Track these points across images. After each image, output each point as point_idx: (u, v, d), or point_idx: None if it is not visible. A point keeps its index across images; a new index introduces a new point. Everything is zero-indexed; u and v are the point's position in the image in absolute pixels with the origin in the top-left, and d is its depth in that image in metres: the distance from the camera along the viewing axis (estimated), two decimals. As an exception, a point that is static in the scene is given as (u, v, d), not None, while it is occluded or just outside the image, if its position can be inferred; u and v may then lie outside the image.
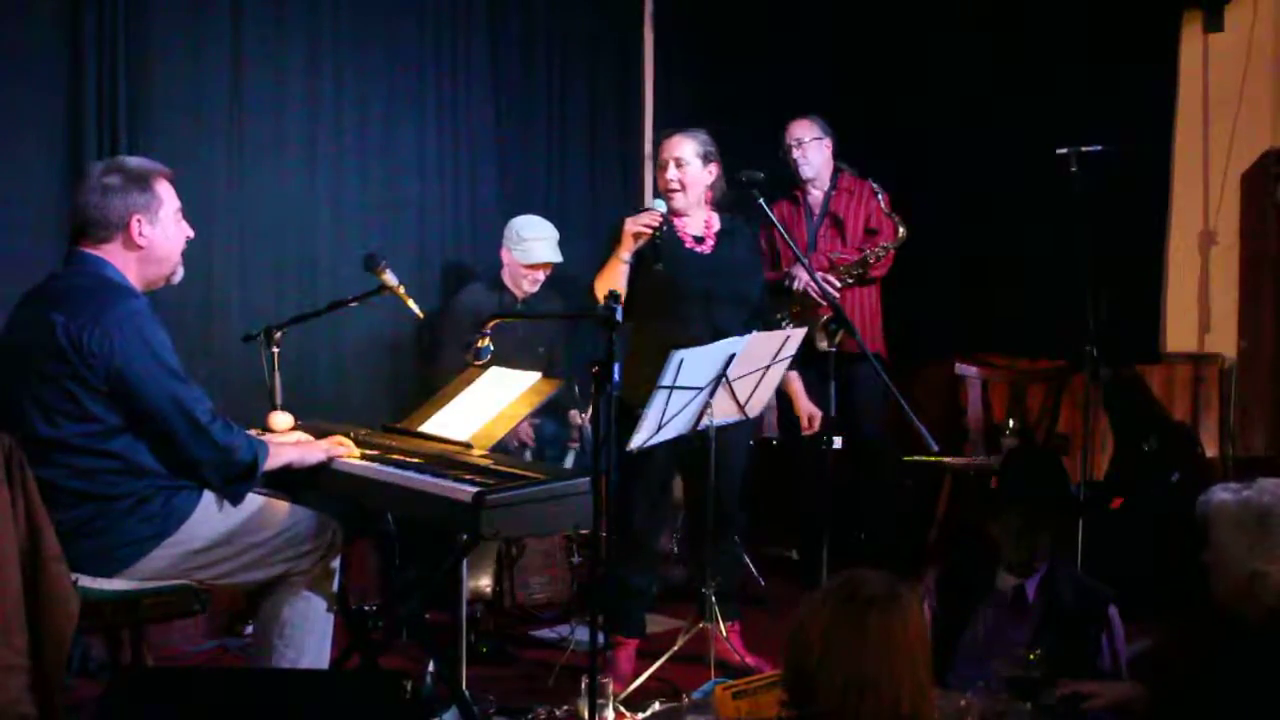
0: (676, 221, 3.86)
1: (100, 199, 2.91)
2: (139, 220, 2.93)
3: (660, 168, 3.90)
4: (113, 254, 2.94)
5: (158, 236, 2.97)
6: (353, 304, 3.80)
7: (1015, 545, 2.94)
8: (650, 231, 3.69)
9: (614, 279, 3.71)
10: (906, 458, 4.99)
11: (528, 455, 4.58)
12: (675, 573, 4.74)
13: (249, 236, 4.51)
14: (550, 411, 4.68)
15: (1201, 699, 2.51)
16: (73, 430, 2.83)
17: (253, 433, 3.11)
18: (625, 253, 3.72)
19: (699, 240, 3.85)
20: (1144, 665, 2.90)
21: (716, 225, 3.92)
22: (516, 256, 4.67)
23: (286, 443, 3.17)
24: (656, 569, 4.18)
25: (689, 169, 3.84)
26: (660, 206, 3.76)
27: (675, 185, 3.83)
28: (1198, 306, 5.38)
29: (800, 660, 1.97)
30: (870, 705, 1.93)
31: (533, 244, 4.63)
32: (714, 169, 3.90)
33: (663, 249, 3.71)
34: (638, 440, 3.45)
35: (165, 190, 3.00)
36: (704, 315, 3.76)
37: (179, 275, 3.08)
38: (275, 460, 3.02)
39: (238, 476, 2.94)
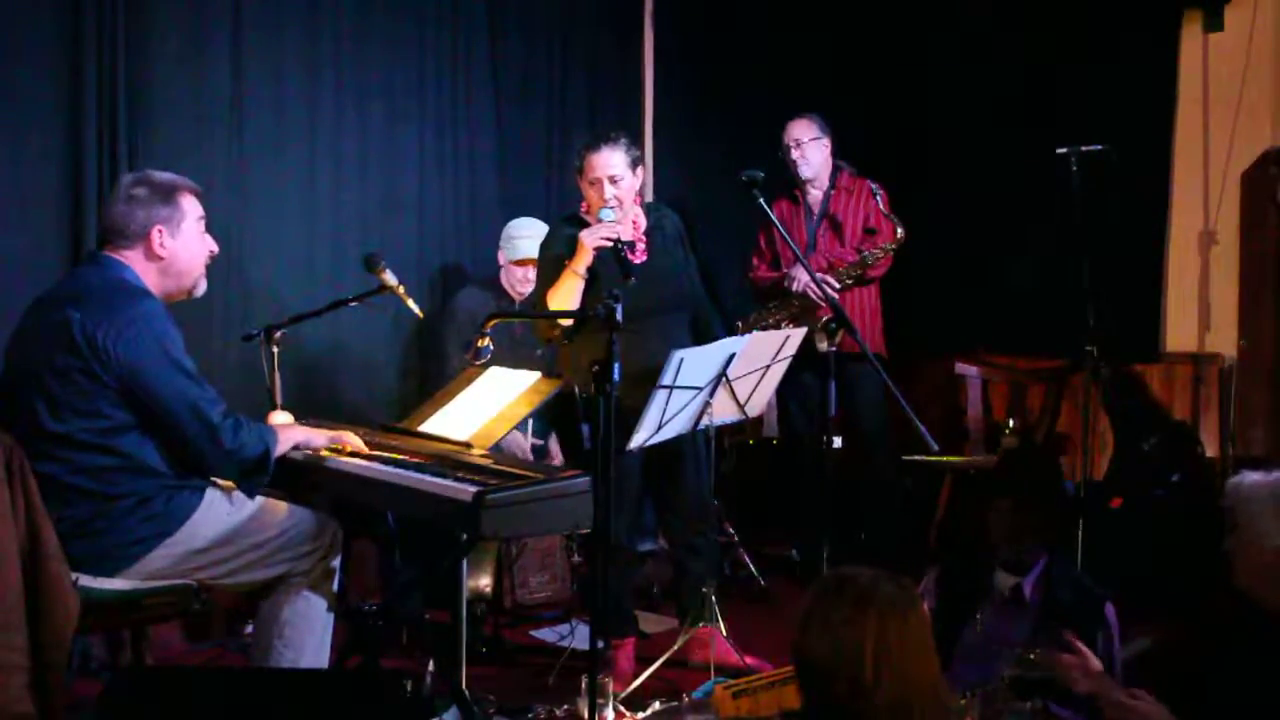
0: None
1: (125, 208, 2.98)
2: (160, 231, 2.98)
3: (592, 184, 3.77)
4: (134, 261, 2.99)
5: (179, 249, 3.01)
6: (353, 304, 3.81)
7: (1002, 537, 2.95)
8: (610, 243, 3.66)
9: (570, 294, 3.70)
10: (906, 458, 4.98)
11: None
12: (655, 570, 4.72)
13: (248, 236, 4.51)
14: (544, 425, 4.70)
15: (1216, 690, 2.49)
16: (79, 425, 2.85)
17: None
18: (581, 265, 3.70)
19: (632, 248, 3.78)
20: (1141, 667, 2.90)
21: (643, 223, 3.89)
22: (507, 254, 4.68)
23: (295, 425, 3.21)
24: (633, 568, 4.16)
25: (624, 182, 3.77)
26: (609, 216, 3.70)
27: (614, 202, 3.74)
28: (1197, 306, 5.38)
29: (851, 679, 1.92)
30: (923, 703, 1.94)
31: (520, 241, 4.64)
32: (640, 172, 3.85)
33: (605, 264, 3.68)
34: (638, 440, 3.45)
35: (190, 204, 3.05)
36: (651, 324, 3.70)
37: (201, 288, 3.13)
38: (285, 444, 3.06)
39: (250, 471, 2.97)
